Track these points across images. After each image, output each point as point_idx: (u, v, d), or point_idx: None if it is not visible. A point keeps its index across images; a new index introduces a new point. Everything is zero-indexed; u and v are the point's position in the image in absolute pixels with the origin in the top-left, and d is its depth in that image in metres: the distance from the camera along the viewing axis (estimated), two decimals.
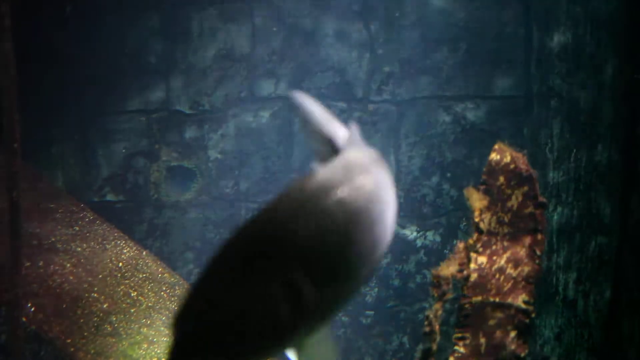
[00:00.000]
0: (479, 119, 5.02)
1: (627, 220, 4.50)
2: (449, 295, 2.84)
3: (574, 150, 4.64)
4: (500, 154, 2.97)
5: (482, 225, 2.91)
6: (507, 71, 4.94)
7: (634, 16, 4.40)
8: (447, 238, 5.09)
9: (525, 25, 4.82)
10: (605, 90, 4.55)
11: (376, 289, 5.26)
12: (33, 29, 5.22)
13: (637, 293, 4.31)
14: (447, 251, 5.00)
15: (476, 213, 2.93)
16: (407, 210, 5.16)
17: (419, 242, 5.21)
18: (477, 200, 2.95)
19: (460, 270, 2.86)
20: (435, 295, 2.84)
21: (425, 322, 2.83)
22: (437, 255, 5.04)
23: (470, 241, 2.91)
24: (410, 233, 5.19)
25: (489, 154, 4.93)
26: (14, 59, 3.22)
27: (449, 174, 5.09)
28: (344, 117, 5.16)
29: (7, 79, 3.22)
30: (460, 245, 2.91)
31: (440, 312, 2.84)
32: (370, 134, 5.15)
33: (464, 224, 5.06)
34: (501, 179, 2.96)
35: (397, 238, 5.20)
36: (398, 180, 5.16)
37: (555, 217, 4.64)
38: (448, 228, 5.13)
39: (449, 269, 2.85)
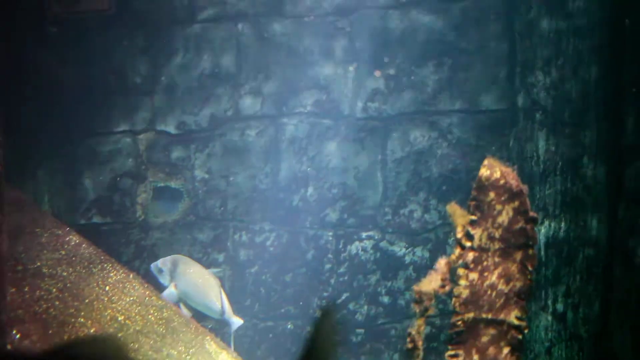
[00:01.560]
0: (465, 134, 5.03)
1: (615, 231, 4.50)
2: (432, 311, 2.83)
3: (560, 163, 4.65)
4: (490, 170, 2.97)
5: (464, 242, 2.91)
6: (492, 85, 4.97)
7: (616, 29, 4.43)
8: (436, 253, 5.08)
9: (509, 39, 4.84)
10: (590, 103, 4.58)
11: (366, 307, 5.25)
12: (17, 50, 5.21)
13: (627, 305, 4.31)
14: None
15: (459, 229, 2.93)
16: (395, 227, 5.16)
17: (407, 258, 5.20)
18: (460, 216, 2.96)
19: (443, 286, 2.86)
20: (418, 311, 2.83)
21: (408, 339, 2.81)
22: (426, 271, 5.00)
23: (453, 257, 2.91)
24: (399, 249, 5.18)
25: (475, 168, 4.96)
26: None
27: (435, 189, 5.10)
28: (331, 134, 5.17)
29: None
30: (442, 261, 2.91)
31: (423, 328, 2.83)
32: (357, 150, 5.15)
33: (452, 238, 5.06)
34: (491, 194, 2.97)
35: (386, 254, 5.19)
36: (385, 196, 5.16)
37: (543, 231, 4.65)
38: (436, 243, 5.13)
39: (431, 285, 2.85)
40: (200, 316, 4.44)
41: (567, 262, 4.64)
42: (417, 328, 2.82)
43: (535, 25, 4.64)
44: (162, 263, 4.56)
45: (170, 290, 4.43)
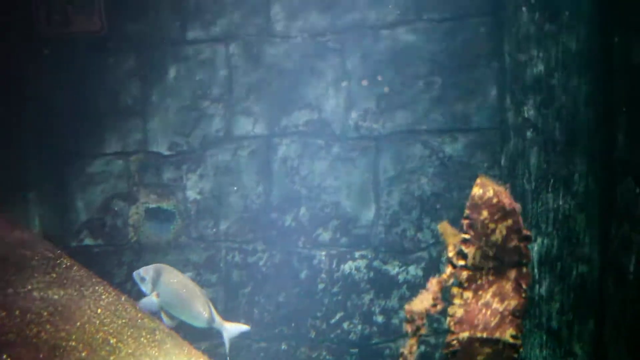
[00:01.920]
0: (456, 152, 5.05)
1: (608, 248, 4.51)
2: (423, 331, 2.82)
3: (552, 180, 4.67)
4: (483, 188, 2.96)
5: (456, 260, 2.90)
6: (483, 104, 4.99)
7: (604, 46, 4.47)
8: (429, 272, 5.07)
9: (498, 58, 4.88)
10: (580, 120, 4.61)
11: (360, 326, 5.23)
12: (8, 71, 5.21)
13: (621, 322, 4.30)
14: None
15: (450, 247, 2.92)
16: (388, 246, 5.15)
17: (401, 277, 5.19)
18: (451, 235, 2.95)
19: (434, 305, 2.84)
20: (409, 330, 2.82)
21: (400, 359, 2.80)
22: (420, 289, 5.02)
23: (444, 276, 2.90)
24: (392, 268, 5.18)
25: (468, 186, 4.96)
26: None
27: (428, 208, 5.10)
28: (323, 153, 5.18)
29: None
30: (434, 280, 2.90)
31: (415, 348, 2.81)
32: (349, 169, 5.16)
33: (445, 257, 5.05)
34: (485, 213, 2.96)
35: (379, 274, 5.18)
36: (378, 215, 5.16)
37: (536, 248, 4.65)
38: (430, 262, 5.13)
39: (422, 304, 2.83)
40: (186, 328, 4.42)
41: (561, 279, 4.64)
42: (409, 348, 2.81)
43: (524, 44, 4.68)
44: (145, 271, 4.50)
45: (151, 299, 4.38)
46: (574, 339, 4.62)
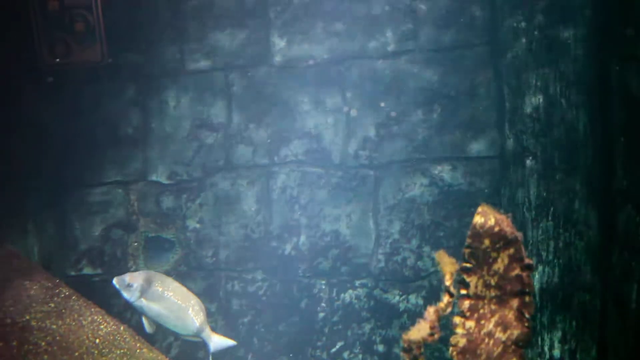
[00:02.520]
0: (456, 181, 5.05)
1: (608, 276, 4.50)
2: None
3: (552, 209, 4.67)
4: (485, 217, 2.95)
5: (453, 290, 2.89)
6: (482, 132, 5.00)
7: (602, 75, 4.50)
8: (430, 301, 5.05)
9: (497, 87, 4.91)
10: (579, 147, 4.62)
11: (360, 356, 5.19)
12: (9, 99, 5.23)
13: (623, 350, 4.28)
14: None
15: (447, 276, 2.91)
16: (389, 274, 5.13)
17: (401, 306, 5.16)
18: (447, 264, 2.94)
19: (432, 334, 2.82)
20: None
21: None
22: (420, 318, 4.99)
23: (441, 304, 2.88)
24: (393, 297, 5.15)
25: (467, 214, 4.97)
26: None
27: (428, 236, 5.09)
28: (322, 182, 5.18)
29: None
30: (431, 309, 2.88)
31: None
32: (348, 198, 5.16)
33: (443, 285, 5.03)
34: (486, 241, 2.95)
35: (380, 303, 5.15)
36: (378, 244, 5.15)
37: (537, 276, 4.64)
38: (430, 290, 5.10)
39: (419, 333, 2.81)
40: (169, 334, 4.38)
41: (563, 308, 4.62)
42: None
43: (522, 72, 4.71)
44: (131, 278, 4.39)
45: (142, 303, 4.33)
46: None
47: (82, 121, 5.28)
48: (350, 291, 5.19)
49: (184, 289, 4.46)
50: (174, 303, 4.35)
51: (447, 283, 2.89)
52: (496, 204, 4.84)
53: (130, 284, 4.35)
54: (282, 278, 5.23)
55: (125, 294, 4.36)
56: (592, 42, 4.55)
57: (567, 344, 4.61)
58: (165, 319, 4.35)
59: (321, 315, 5.22)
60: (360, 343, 5.18)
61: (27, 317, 3.66)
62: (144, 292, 4.35)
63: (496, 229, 2.90)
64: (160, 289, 4.38)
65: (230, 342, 4.49)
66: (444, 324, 2.83)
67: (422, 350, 2.81)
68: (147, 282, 4.38)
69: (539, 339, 4.65)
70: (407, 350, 2.82)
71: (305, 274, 5.22)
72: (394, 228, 5.13)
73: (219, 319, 5.25)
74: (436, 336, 2.83)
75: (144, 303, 4.35)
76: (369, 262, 5.16)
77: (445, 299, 2.88)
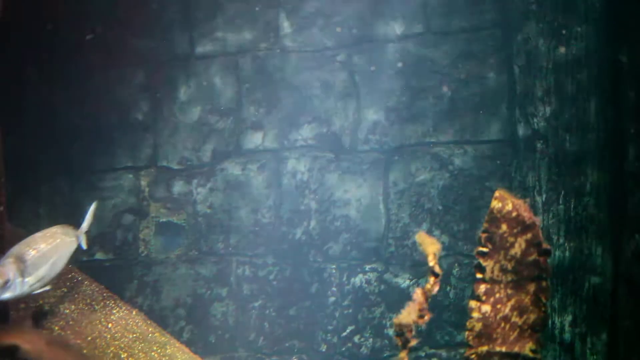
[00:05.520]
0: (466, 165, 5.04)
1: (620, 259, 4.49)
2: (413, 343, 2.80)
3: (562, 192, 4.65)
4: (502, 202, 2.95)
5: (435, 269, 2.90)
6: (493, 116, 4.98)
7: (613, 61, 4.47)
8: (440, 284, 5.04)
9: (508, 70, 4.87)
10: (590, 130, 4.60)
11: (371, 340, 5.20)
12: (21, 86, 5.24)
13: (635, 333, 4.27)
14: (440, 298, 4.96)
15: (430, 257, 2.92)
16: (399, 259, 5.13)
17: (412, 290, 5.15)
18: (429, 244, 2.95)
19: (421, 316, 2.83)
20: (400, 343, 2.80)
21: None
22: (431, 302, 4.99)
23: (428, 286, 2.89)
24: (403, 281, 5.15)
25: (478, 198, 4.96)
26: None
27: (438, 220, 5.08)
28: (332, 167, 5.17)
29: None
30: (419, 290, 2.89)
31: None
32: (359, 183, 5.15)
33: (457, 269, 5.04)
34: (504, 226, 2.95)
35: (390, 287, 5.16)
36: (388, 228, 5.14)
37: (548, 260, 4.62)
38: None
39: (410, 316, 2.82)
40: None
41: (573, 291, 4.61)
42: None
43: (534, 57, 4.68)
44: (2, 274, 3.15)
45: (29, 281, 3.23)
46: (587, 352, 4.59)
47: (94, 107, 5.29)
48: (360, 275, 5.20)
49: (48, 231, 3.57)
50: (53, 248, 3.46)
51: (431, 263, 2.90)
52: (507, 188, 4.83)
53: (7, 281, 3.17)
54: (293, 263, 5.24)
55: (8, 295, 3.18)
56: (603, 24, 4.51)
57: (578, 328, 4.60)
58: (60, 264, 3.51)
59: (332, 299, 5.23)
60: (371, 327, 5.19)
61: (41, 302, 3.69)
62: (24, 272, 3.26)
63: (514, 214, 2.90)
64: (33, 252, 3.34)
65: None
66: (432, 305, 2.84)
67: (414, 333, 2.82)
68: (18, 260, 3.27)
69: (550, 323, 4.64)
70: (399, 334, 2.83)
71: (315, 258, 5.23)
72: (404, 212, 5.12)
73: (230, 303, 5.28)
74: (426, 318, 2.84)
75: (31, 279, 3.28)
76: (379, 246, 5.16)
77: (431, 279, 2.89)
